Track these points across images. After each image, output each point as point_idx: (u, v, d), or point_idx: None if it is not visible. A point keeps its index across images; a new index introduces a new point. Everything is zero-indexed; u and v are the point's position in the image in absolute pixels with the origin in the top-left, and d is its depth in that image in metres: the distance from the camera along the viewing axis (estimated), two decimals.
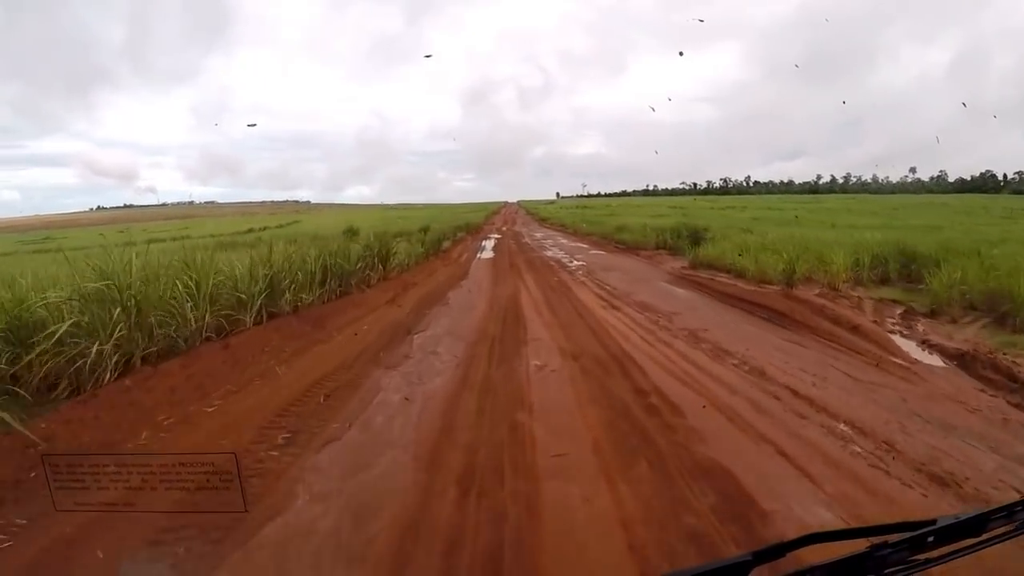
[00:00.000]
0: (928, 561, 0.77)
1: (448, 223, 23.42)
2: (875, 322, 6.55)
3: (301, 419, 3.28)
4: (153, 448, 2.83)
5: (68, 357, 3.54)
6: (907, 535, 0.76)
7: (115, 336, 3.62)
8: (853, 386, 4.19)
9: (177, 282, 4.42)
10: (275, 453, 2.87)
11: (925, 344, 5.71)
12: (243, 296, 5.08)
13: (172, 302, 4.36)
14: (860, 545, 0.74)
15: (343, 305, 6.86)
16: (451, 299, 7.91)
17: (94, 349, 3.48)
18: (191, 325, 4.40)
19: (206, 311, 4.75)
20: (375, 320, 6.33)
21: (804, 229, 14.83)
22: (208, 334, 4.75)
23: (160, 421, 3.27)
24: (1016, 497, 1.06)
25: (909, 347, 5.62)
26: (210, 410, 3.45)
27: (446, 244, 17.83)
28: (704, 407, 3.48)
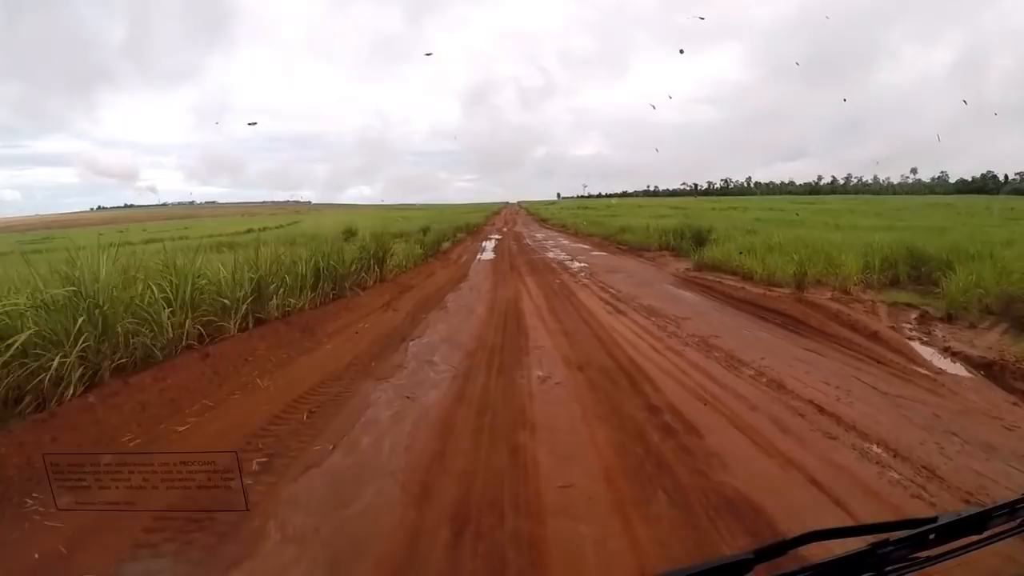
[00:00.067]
0: (929, 559, 0.76)
1: (449, 224, 23.19)
2: (892, 328, 6.26)
3: (281, 440, 2.98)
4: None
5: (31, 370, 3.25)
6: (909, 533, 0.75)
7: (80, 347, 3.32)
8: (880, 400, 3.89)
9: (153, 287, 4.11)
10: (249, 482, 2.56)
11: (948, 352, 5.43)
12: (226, 301, 4.77)
13: (148, 308, 4.06)
14: (862, 543, 0.73)
15: (336, 309, 6.56)
16: (449, 303, 7.61)
17: (55, 361, 3.17)
18: (168, 333, 4.10)
19: (186, 318, 4.45)
20: (369, 326, 6.03)
21: (808, 230, 14.55)
22: (190, 342, 4.46)
23: (125, 442, 2.96)
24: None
25: (931, 355, 5.34)
26: (182, 429, 3.14)
27: (446, 245, 17.55)
28: (723, 425, 3.19)
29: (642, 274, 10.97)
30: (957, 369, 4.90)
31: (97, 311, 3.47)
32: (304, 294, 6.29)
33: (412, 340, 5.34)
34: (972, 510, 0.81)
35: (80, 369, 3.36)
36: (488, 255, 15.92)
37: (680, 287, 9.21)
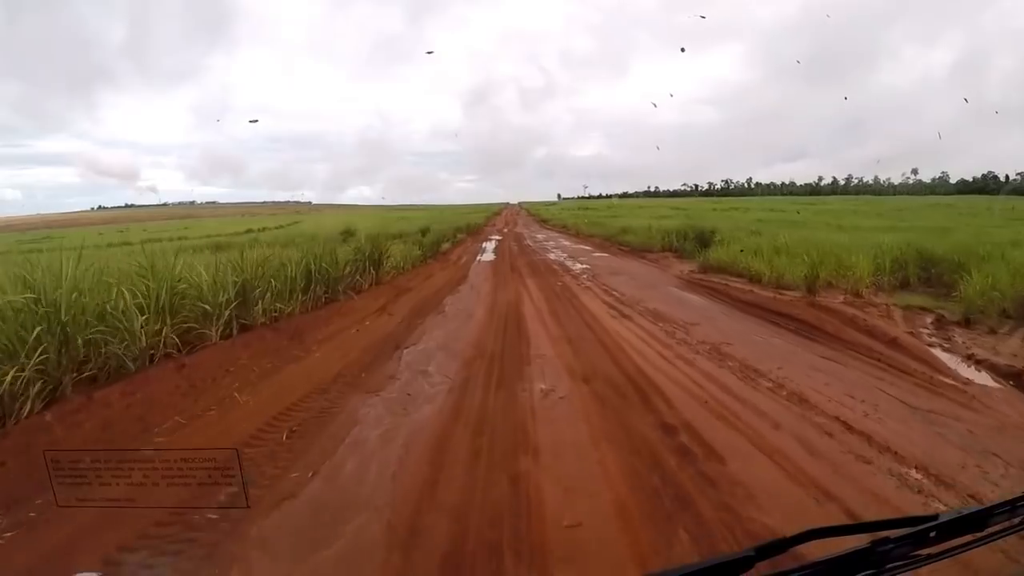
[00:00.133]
0: (930, 556, 0.76)
1: (449, 224, 22.93)
2: (911, 334, 5.97)
3: (255, 465, 2.67)
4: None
5: None
6: (909, 530, 0.75)
7: (37, 359, 3.01)
8: (910, 416, 3.59)
9: (124, 292, 3.81)
10: (214, 516, 2.26)
11: (972, 360, 5.16)
12: (207, 307, 4.46)
13: (119, 315, 3.75)
14: (862, 540, 0.72)
15: (328, 314, 6.25)
16: (447, 307, 7.31)
17: (9, 376, 2.86)
18: (141, 342, 3.79)
19: (164, 325, 4.15)
20: (361, 331, 5.72)
21: (812, 231, 14.28)
22: (168, 350, 4.16)
23: None
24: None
25: (955, 364, 5.06)
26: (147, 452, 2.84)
27: (446, 246, 17.27)
28: (745, 448, 2.88)
29: (646, 276, 10.68)
30: (984, 379, 4.64)
31: (57, 320, 3.16)
32: (295, 298, 5.99)
33: (407, 347, 5.04)
34: (972, 508, 0.80)
35: (39, 383, 3.05)
36: (488, 256, 15.63)
37: (686, 290, 8.91)
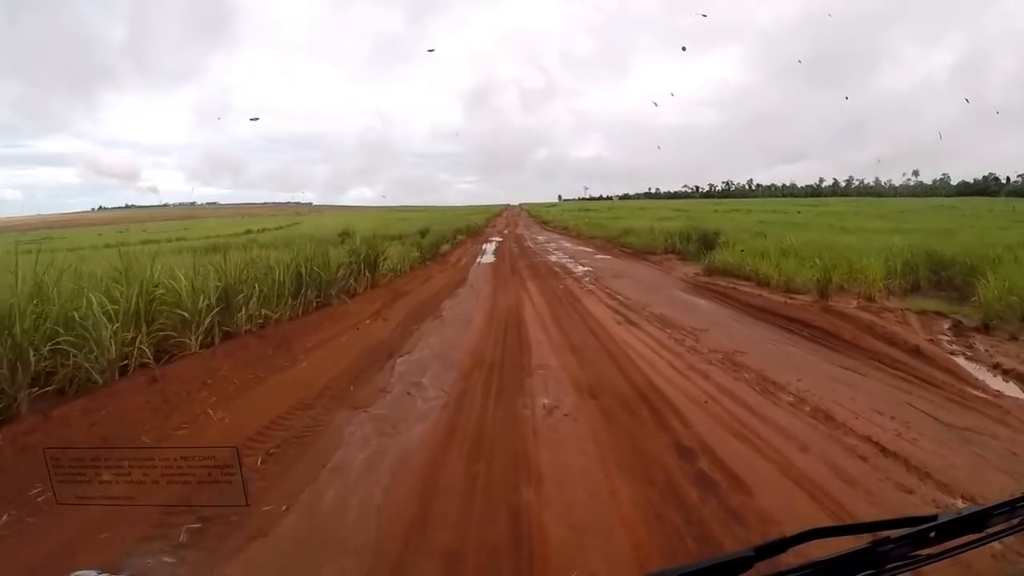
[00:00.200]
0: (930, 557, 0.76)
1: (449, 225, 22.66)
2: (931, 341, 5.68)
3: (224, 496, 2.37)
4: None
5: None
6: (909, 531, 0.75)
7: None
8: (946, 435, 3.30)
9: (92, 298, 3.51)
10: (169, 560, 1.97)
11: (998, 370, 4.90)
12: (185, 314, 4.16)
13: (87, 324, 3.46)
14: (862, 540, 0.72)
15: (319, 320, 5.95)
16: (445, 311, 7.01)
17: None
18: (109, 353, 3.49)
19: (139, 333, 3.86)
20: (354, 338, 5.42)
21: (815, 233, 14.02)
22: (144, 360, 3.87)
23: (31, 497, 2.36)
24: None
25: (982, 374, 4.79)
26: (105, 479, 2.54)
27: (445, 247, 16.99)
28: (773, 475, 2.58)
29: (650, 279, 10.40)
30: (1015, 391, 4.39)
31: (6, 330, 2.86)
32: (284, 303, 5.69)
33: (400, 356, 4.74)
34: (972, 508, 0.80)
35: None
36: (488, 258, 15.36)
37: (692, 294, 8.61)
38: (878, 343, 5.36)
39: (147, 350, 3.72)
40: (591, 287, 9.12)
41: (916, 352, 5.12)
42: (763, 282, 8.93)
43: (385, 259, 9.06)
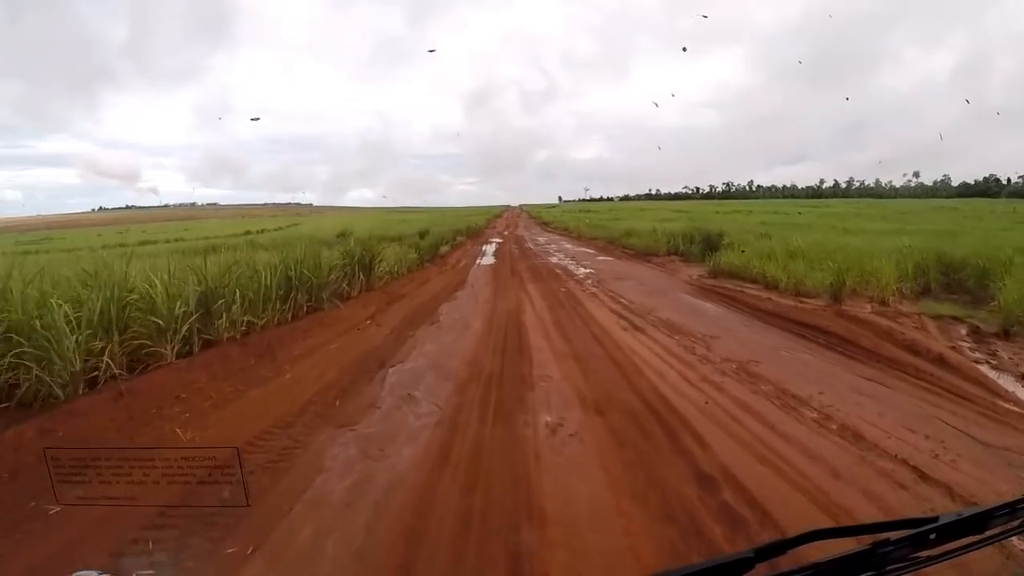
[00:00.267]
0: (930, 558, 0.75)
1: (449, 226, 22.40)
2: (952, 348, 5.40)
3: (183, 533, 2.08)
4: None
5: None
6: (909, 532, 0.74)
7: None
8: (985, 456, 3.01)
9: (54, 304, 3.21)
10: None
11: None
12: (160, 322, 3.86)
13: (48, 333, 3.16)
14: (862, 542, 0.71)
15: (308, 325, 5.64)
16: (442, 316, 6.71)
17: None
18: (73, 365, 3.20)
19: (110, 343, 3.57)
20: (344, 346, 5.12)
21: (818, 234, 13.77)
22: (117, 371, 3.58)
23: None
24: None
25: (1012, 385, 4.53)
26: (54, 512, 2.24)
27: (444, 249, 16.70)
28: (806, 508, 2.28)
29: (653, 281, 10.11)
30: None
31: None
32: (272, 307, 5.39)
33: (393, 366, 4.43)
34: (973, 510, 0.79)
35: None
36: (488, 259, 15.07)
37: (698, 297, 8.32)
38: (899, 351, 5.07)
39: (111, 363, 3.40)
40: (593, 290, 8.83)
41: (940, 361, 4.83)
42: (771, 285, 8.66)
43: (381, 261, 8.76)
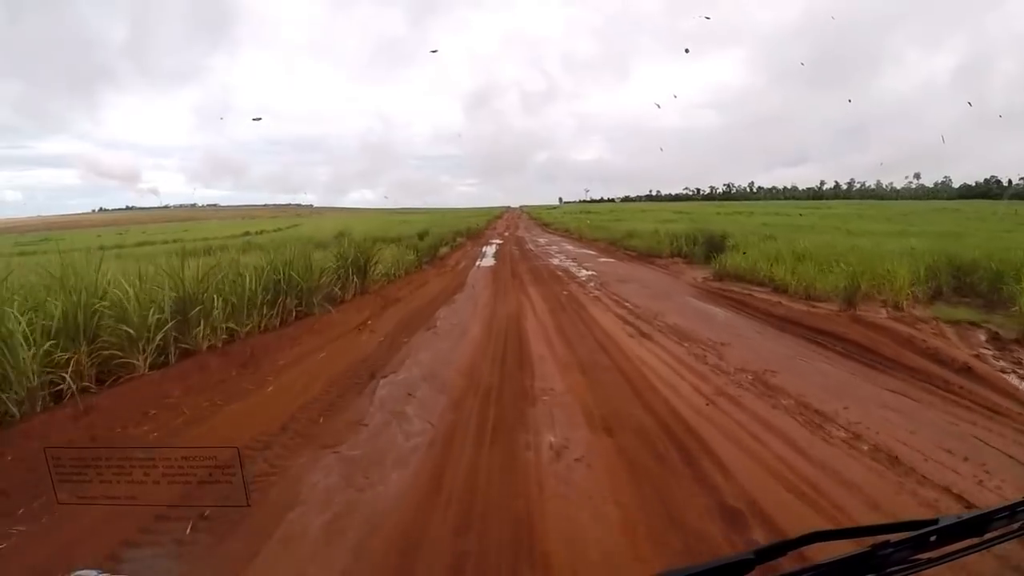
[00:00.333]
0: (930, 561, 0.75)
1: (449, 227, 22.14)
2: (977, 357, 5.11)
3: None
4: None
5: None
6: (909, 534, 0.74)
7: None
8: None
9: (10, 313, 2.92)
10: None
11: None
12: (131, 330, 3.57)
13: (2, 345, 2.87)
14: (862, 544, 0.71)
15: (296, 332, 5.35)
16: (439, 321, 6.42)
17: None
18: (30, 380, 2.91)
19: (78, 353, 3.28)
20: (334, 354, 4.82)
21: (821, 235, 13.49)
22: (85, 383, 3.29)
23: None
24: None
25: None
26: None
27: (444, 250, 16.42)
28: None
29: (658, 284, 9.83)
30: None
31: None
32: (258, 313, 5.10)
33: (384, 377, 4.14)
34: (973, 513, 0.79)
35: None
36: (488, 261, 14.79)
37: (705, 300, 8.03)
38: (922, 360, 4.78)
39: (74, 376, 3.11)
40: (596, 293, 8.54)
41: (967, 371, 4.54)
42: (780, 288, 8.38)
43: (377, 263, 8.47)
